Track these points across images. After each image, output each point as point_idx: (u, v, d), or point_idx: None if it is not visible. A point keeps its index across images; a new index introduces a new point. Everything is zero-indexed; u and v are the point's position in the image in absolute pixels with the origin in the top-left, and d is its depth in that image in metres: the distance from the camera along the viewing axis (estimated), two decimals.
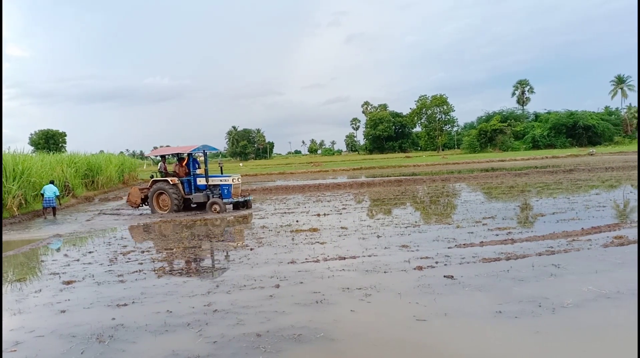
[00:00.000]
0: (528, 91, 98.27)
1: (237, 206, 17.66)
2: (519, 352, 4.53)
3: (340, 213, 15.09)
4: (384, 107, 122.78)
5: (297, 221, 13.84)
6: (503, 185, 22.22)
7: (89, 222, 16.35)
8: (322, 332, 5.12)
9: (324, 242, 10.30)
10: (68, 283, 7.85)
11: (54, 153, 30.50)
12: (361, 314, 5.69)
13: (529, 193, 18.39)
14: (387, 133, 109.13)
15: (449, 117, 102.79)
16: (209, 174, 17.65)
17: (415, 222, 12.49)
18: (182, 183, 17.71)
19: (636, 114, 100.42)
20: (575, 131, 79.37)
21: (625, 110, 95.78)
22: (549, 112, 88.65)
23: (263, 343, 4.87)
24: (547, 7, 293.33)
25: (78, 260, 9.75)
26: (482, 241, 9.39)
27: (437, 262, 7.88)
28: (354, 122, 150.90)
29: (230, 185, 17.21)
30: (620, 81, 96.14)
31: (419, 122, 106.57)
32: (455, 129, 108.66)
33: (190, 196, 17.65)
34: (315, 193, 23.59)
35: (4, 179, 17.69)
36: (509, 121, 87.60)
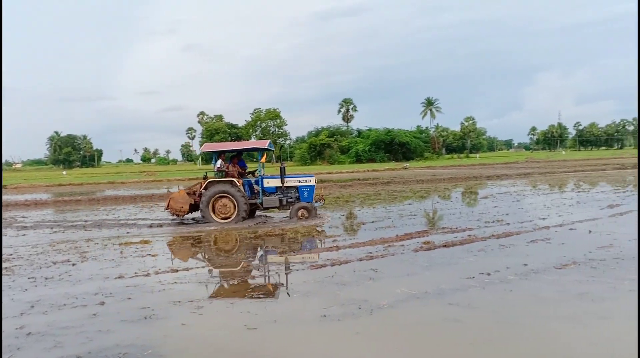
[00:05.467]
0: (352, 109, 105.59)
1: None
2: (341, 353, 4.86)
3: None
4: (220, 117, 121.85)
5: (127, 232, 13.11)
6: (330, 196, 23.51)
7: None
8: (151, 349, 4.96)
9: (155, 254, 9.92)
10: None
11: None
12: (192, 327, 5.63)
13: (353, 203, 19.83)
14: None
15: (282, 130, 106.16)
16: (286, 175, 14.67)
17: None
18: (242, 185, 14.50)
19: (442, 133, 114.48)
20: (392, 147, 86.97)
21: (433, 129, 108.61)
22: (369, 129, 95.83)
23: None
24: (368, 32, 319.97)
25: None
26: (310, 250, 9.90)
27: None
28: (189, 131, 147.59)
29: (312, 187, 14.45)
30: (429, 102, 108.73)
31: (254, 134, 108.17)
32: (287, 142, 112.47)
33: (255, 201, 14.48)
34: (148, 204, 22.69)
35: None
36: (335, 136, 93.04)
